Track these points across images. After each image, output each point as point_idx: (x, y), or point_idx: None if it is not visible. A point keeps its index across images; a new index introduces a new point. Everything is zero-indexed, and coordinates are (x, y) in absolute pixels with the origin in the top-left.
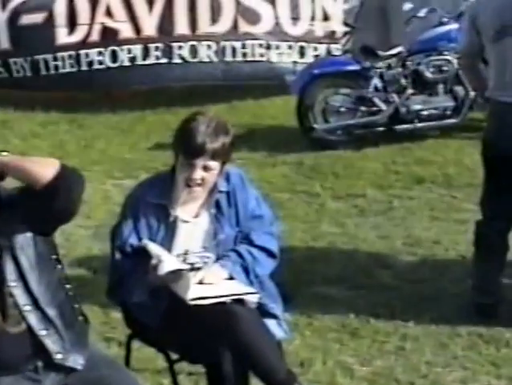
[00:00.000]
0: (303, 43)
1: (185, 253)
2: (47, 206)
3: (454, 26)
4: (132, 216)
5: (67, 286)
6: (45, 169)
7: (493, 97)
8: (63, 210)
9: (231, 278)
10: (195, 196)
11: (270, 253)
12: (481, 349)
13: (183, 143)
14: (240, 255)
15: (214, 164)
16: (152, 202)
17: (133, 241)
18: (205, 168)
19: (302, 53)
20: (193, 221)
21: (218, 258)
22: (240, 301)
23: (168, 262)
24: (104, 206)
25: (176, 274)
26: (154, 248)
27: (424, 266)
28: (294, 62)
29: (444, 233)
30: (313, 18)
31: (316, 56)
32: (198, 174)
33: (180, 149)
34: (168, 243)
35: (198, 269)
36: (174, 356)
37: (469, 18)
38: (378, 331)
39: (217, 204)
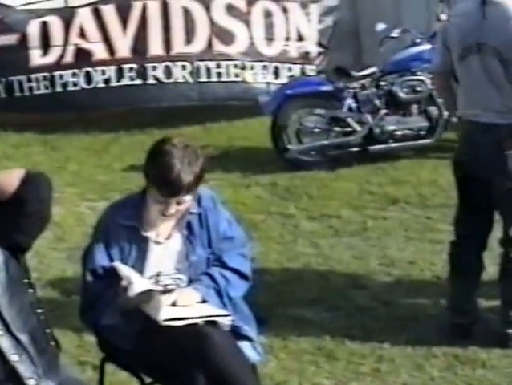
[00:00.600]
0: (278, 64)
1: (158, 275)
2: (20, 213)
3: (427, 46)
4: (104, 238)
5: (39, 311)
6: (11, 177)
7: (462, 116)
8: (36, 212)
9: (204, 302)
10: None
11: (242, 275)
12: (457, 370)
13: (157, 180)
14: (213, 278)
15: (189, 197)
16: (124, 224)
17: (104, 263)
18: (179, 202)
19: (276, 73)
20: (165, 243)
21: (191, 280)
22: (213, 324)
23: (138, 283)
24: (78, 228)
25: (147, 295)
26: (124, 269)
27: (400, 287)
28: (268, 83)
29: (419, 254)
30: (287, 39)
31: (290, 76)
32: (173, 209)
33: (154, 185)
34: (140, 265)
35: (171, 290)
36: (148, 379)
37: (441, 38)
38: (353, 353)
39: (189, 226)
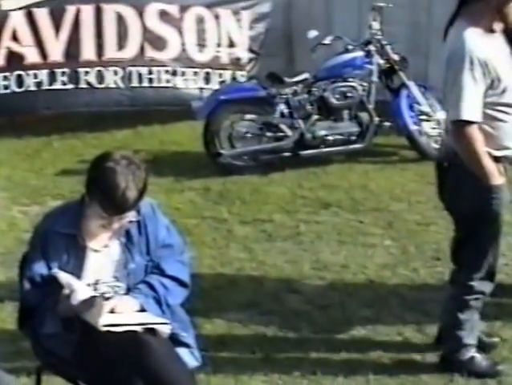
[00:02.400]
0: (209, 70)
1: (96, 283)
2: None
3: (359, 53)
4: (41, 245)
5: None
6: None
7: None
8: None
9: (143, 310)
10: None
11: (181, 283)
12: (392, 372)
13: (102, 199)
14: (152, 287)
15: (132, 213)
16: (62, 232)
17: (43, 270)
18: (123, 218)
19: (207, 79)
20: (103, 251)
21: (129, 288)
22: (152, 331)
23: (80, 291)
24: (11, 233)
25: (89, 302)
26: (65, 277)
27: (333, 290)
28: (201, 89)
29: (351, 257)
30: (219, 45)
31: (221, 82)
32: (116, 225)
33: (98, 202)
34: (78, 273)
35: (109, 298)
36: None
37: None
38: (289, 357)
39: (128, 233)
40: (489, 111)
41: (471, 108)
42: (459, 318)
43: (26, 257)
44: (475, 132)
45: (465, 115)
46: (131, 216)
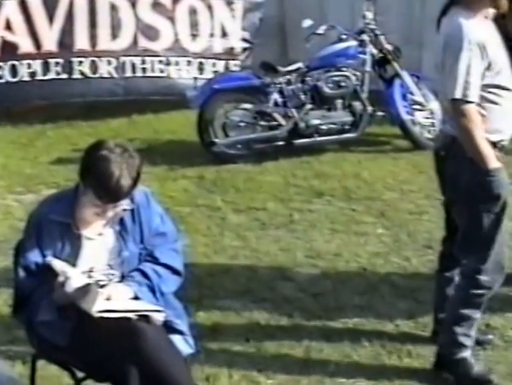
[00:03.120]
0: (202, 59)
1: (90, 271)
2: None
3: (353, 42)
4: (36, 234)
5: None
6: None
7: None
8: None
9: (136, 298)
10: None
11: (174, 271)
12: (384, 359)
13: (96, 187)
14: (145, 275)
15: (126, 201)
16: (56, 220)
17: (37, 258)
18: (117, 206)
19: (201, 69)
20: (97, 239)
21: (123, 276)
22: (146, 319)
23: (75, 278)
24: (5, 221)
25: (85, 290)
26: (59, 265)
27: (326, 278)
28: (195, 78)
29: (344, 246)
30: (212, 35)
31: (215, 72)
32: (110, 213)
33: (92, 190)
34: (72, 260)
35: (103, 286)
36: (80, 374)
37: None
38: (282, 344)
39: (122, 221)
40: (483, 93)
41: (471, 88)
42: (459, 312)
43: (20, 245)
44: (474, 112)
45: (465, 94)
46: (125, 204)
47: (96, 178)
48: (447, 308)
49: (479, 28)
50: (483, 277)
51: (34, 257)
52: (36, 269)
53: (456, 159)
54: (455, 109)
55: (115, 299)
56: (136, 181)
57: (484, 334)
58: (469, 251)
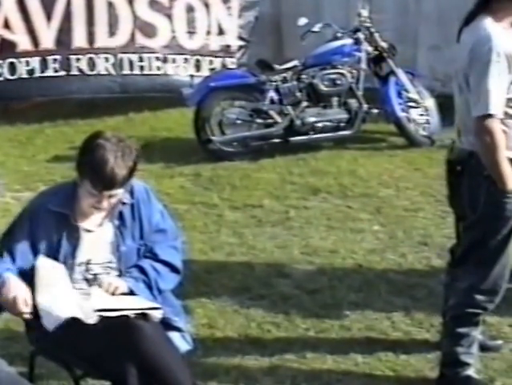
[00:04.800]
0: (199, 57)
1: (88, 263)
2: None
3: (348, 40)
4: (30, 224)
5: None
6: None
7: None
8: None
9: (132, 294)
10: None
11: (173, 268)
12: (381, 355)
13: (91, 174)
14: (143, 271)
15: (121, 190)
16: (54, 210)
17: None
18: (112, 196)
19: (197, 66)
20: (96, 231)
21: (121, 271)
22: (144, 316)
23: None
24: (3, 219)
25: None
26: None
27: (323, 275)
28: (191, 76)
29: (340, 242)
30: (208, 33)
31: (212, 70)
32: (105, 203)
33: (88, 178)
34: (71, 252)
35: (100, 280)
36: (79, 371)
37: None
38: (279, 340)
39: (121, 216)
40: (507, 109)
41: (497, 104)
42: (457, 331)
43: (8, 232)
44: (499, 130)
45: (493, 109)
46: (122, 195)
47: (91, 165)
48: (444, 328)
49: (506, 38)
50: (479, 297)
51: (21, 246)
52: (19, 261)
53: (472, 176)
54: (479, 126)
55: (112, 297)
56: (131, 171)
57: (492, 339)
58: (470, 268)
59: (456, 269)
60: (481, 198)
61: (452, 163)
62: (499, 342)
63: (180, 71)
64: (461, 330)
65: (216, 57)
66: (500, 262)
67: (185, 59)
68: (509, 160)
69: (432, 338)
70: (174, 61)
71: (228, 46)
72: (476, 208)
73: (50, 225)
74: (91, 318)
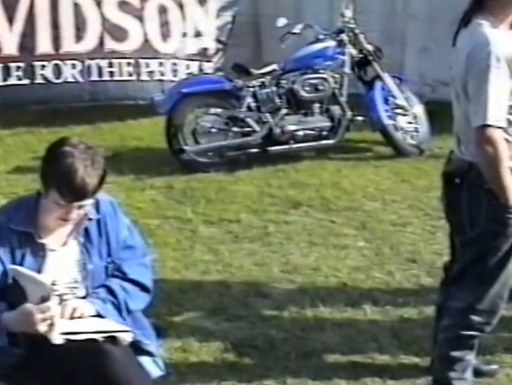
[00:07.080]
0: (175, 60)
1: (53, 284)
2: None
3: (331, 43)
4: None
5: None
6: None
7: None
8: None
9: (99, 316)
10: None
11: (143, 288)
12: (367, 381)
13: (60, 184)
14: (111, 291)
15: (90, 201)
16: (17, 230)
17: None
18: (81, 207)
19: (174, 71)
20: (60, 250)
21: (87, 290)
22: (113, 340)
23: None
24: None
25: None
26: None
27: (304, 295)
28: (161, 81)
29: (323, 260)
30: (184, 35)
31: (188, 74)
32: (74, 214)
33: (55, 190)
34: (36, 272)
35: (66, 301)
36: None
37: None
38: (258, 365)
39: (87, 233)
40: (509, 116)
41: (499, 112)
42: (450, 355)
43: None
44: (501, 140)
45: (494, 119)
46: (89, 209)
47: (60, 175)
48: (436, 351)
49: (506, 41)
50: (476, 318)
51: None
52: None
53: (472, 189)
54: (480, 136)
55: (79, 320)
56: (102, 179)
57: (487, 363)
58: (467, 287)
59: (450, 287)
60: (482, 213)
61: (449, 174)
62: (494, 366)
63: (155, 76)
64: (455, 353)
65: (193, 60)
66: (499, 281)
67: (160, 63)
68: (511, 170)
69: (421, 363)
70: (147, 65)
71: (205, 49)
72: (475, 224)
73: (14, 245)
74: (58, 339)
